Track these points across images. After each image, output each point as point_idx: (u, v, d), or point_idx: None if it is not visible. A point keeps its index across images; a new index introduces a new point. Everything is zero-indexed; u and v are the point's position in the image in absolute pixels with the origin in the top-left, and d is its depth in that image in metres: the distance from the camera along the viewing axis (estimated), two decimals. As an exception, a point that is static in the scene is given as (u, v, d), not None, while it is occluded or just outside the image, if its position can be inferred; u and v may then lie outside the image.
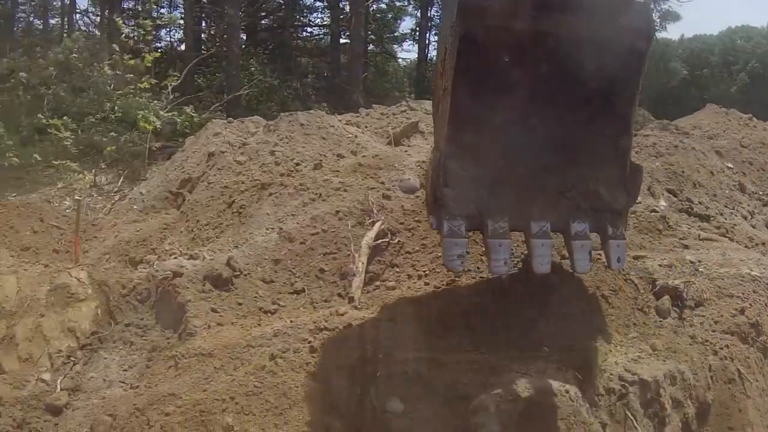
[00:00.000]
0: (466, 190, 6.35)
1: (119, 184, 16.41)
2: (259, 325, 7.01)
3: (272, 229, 8.86)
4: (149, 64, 19.33)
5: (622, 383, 6.10)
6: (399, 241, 8.28)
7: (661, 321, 7.07)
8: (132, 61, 19.56)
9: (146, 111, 17.80)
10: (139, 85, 19.35)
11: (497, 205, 6.40)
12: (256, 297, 7.64)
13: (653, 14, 6.38)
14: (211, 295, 7.53)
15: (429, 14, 44.21)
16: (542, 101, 6.66)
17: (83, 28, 44.10)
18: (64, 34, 42.07)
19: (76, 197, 14.13)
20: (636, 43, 6.28)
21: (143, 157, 17.87)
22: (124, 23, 21.84)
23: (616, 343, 6.64)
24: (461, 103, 6.09)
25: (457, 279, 7.50)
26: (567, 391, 5.66)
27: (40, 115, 18.63)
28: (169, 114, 18.89)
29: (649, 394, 6.16)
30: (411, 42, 44.50)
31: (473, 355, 6.17)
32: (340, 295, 7.75)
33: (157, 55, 19.48)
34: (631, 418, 6.01)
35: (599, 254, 7.11)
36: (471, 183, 6.42)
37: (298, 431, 5.59)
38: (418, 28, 43.06)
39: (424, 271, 7.84)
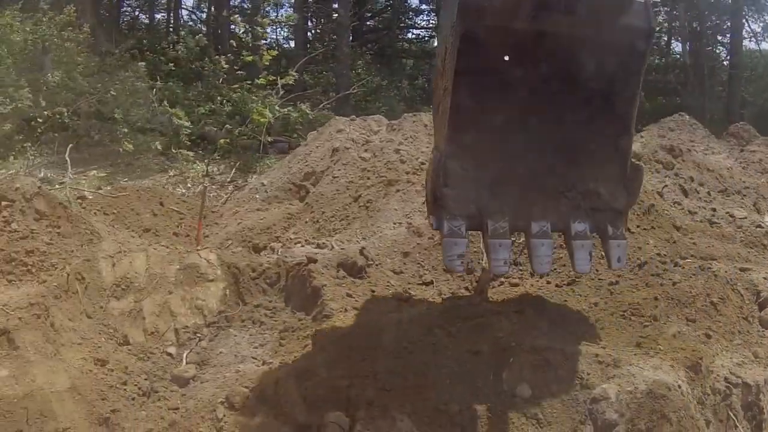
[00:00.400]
0: (466, 190, 6.41)
1: (231, 174, 16.99)
2: (394, 311, 7.36)
3: (400, 223, 9.27)
4: (267, 63, 19.90)
5: (727, 385, 6.38)
6: (522, 241, 8.58)
7: (763, 331, 7.33)
8: (249, 58, 20.14)
9: (261, 106, 18.31)
10: (256, 80, 19.92)
11: (497, 205, 6.45)
12: (388, 285, 8.07)
13: (653, 13, 6.30)
14: (345, 281, 7.96)
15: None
16: (542, 101, 6.72)
17: (189, 23, 45.46)
18: (170, 29, 43.41)
19: (203, 184, 14.71)
20: (636, 42, 6.32)
21: (253, 150, 18.45)
22: (240, 20, 22.46)
23: (722, 348, 6.87)
24: (461, 103, 6.12)
25: (577, 279, 7.89)
26: (679, 386, 5.95)
27: (165, 103, 19.36)
28: (285, 110, 19.41)
29: (750, 398, 6.44)
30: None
31: (596, 348, 6.45)
32: (467, 288, 8.19)
33: (274, 53, 20.00)
34: (733, 418, 6.28)
35: (710, 263, 7.32)
36: (471, 183, 6.45)
37: (436, 408, 5.91)
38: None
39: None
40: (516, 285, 8.10)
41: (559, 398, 5.99)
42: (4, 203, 9.16)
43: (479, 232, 6.66)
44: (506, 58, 6.52)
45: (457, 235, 6.19)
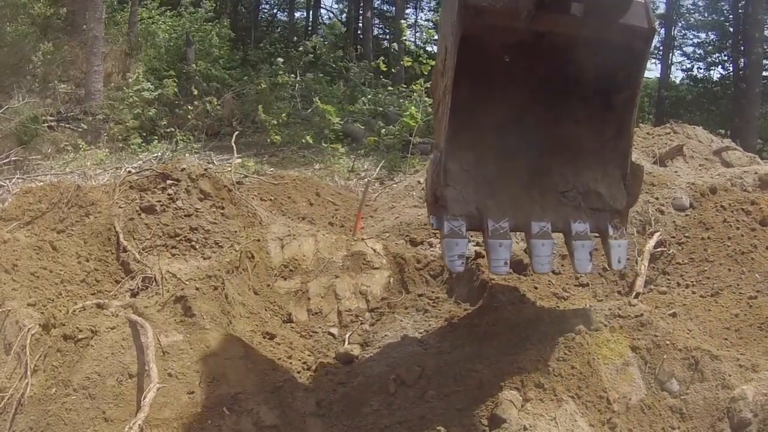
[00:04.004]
0: (466, 190, 6.52)
1: (377, 171, 17.58)
2: (557, 306, 7.87)
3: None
4: (426, 72, 20.44)
5: None
6: (672, 252, 9.13)
7: None
8: (408, 63, 20.77)
9: (413, 108, 18.85)
10: (413, 86, 20.53)
11: (498, 205, 6.58)
12: (549, 284, 8.59)
13: (653, 13, 6.24)
14: (510, 277, 8.46)
15: (673, 33, 44.07)
16: (542, 101, 6.89)
17: (326, 22, 46.50)
18: (309, 28, 44.47)
19: (368, 179, 15.37)
20: (635, 42, 6.39)
21: (397, 150, 19.04)
22: (406, 26, 23.09)
23: None
24: (461, 103, 6.25)
25: (720, 291, 8.31)
26: (811, 394, 6.30)
27: (317, 100, 20.14)
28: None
29: None
30: (653, 61, 43.60)
31: (737, 353, 6.86)
32: (619, 292, 8.70)
33: (433, 63, 20.62)
34: None
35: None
36: (471, 183, 6.59)
37: (596, 395, 6.40)
38: (661, 47, 42.70)
39: (692, 282, 8.72)
40: (664, 293, 8.55)
41: (702, 395, 6.47)
42: (169, 182, 9.91)
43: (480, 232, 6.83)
44: (506, 58, 6.79)
45: (458, 235, 6.35)
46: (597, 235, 6.98)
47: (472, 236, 10.28)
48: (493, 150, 6.83)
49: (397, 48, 23.87)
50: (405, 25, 23.03)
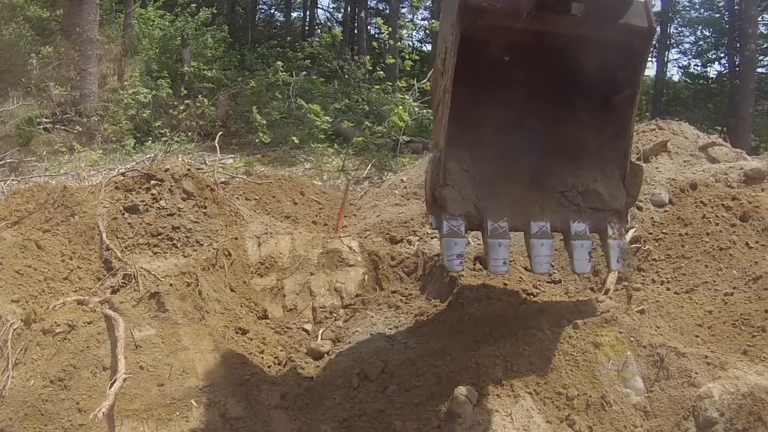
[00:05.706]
0: (465, 189, 6.54)
1: (367, 171, 17.68)
2: (524, 303, 7.85)
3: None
4: (408, 68, 20.52)
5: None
6: (648, 248, 9.09)
7: None
8: (391, 61, 20.82)
9: (402, 107, 18.92)
10: (396, 83, 20.58)
11: (497, 204, 6.61)
12: (519, 280, 8.57)
13: (652, 13, 6.26)
14: (481, 273, 8.49)
15: (668, 31, 43.88)
16: (542, 101, 6.92)
17: (328, 23, 46.57)
18: (306, 28, 44.57)
19: (347, 177, 15.49)
20: (635, 42, 6.42)
21: (388, 149, 19.13)
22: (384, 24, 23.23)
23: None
24: (461, 103, 6.29)
25: (695, 288, 8.27)
26: (777, 390, 6.28)
27: (300, 100, 20.26)
28: (422, 112, 20.02)
29: None
30: (650, 59, 42.62)
31: (706, 351, 6.81)
32: (592, 289, 8.64)
33: (416, 58, 20.62)
34: None
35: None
36: (470, 182, 6.61)
37: (554, 391, 6.43)
38: (657, 44, 42.36)
39: (667, 278, 8.66)
40: (638, 290, 8.48)
41: (667, 393, 6.46)
42: (153, 182, 10.04)
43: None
44: (506, 58, 6.85)
45: (457, 234, 6.40)
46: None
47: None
48: (493, 150, 6.88)
49: (378, 47, 23.91)
50: (382, 22, 23.07)
